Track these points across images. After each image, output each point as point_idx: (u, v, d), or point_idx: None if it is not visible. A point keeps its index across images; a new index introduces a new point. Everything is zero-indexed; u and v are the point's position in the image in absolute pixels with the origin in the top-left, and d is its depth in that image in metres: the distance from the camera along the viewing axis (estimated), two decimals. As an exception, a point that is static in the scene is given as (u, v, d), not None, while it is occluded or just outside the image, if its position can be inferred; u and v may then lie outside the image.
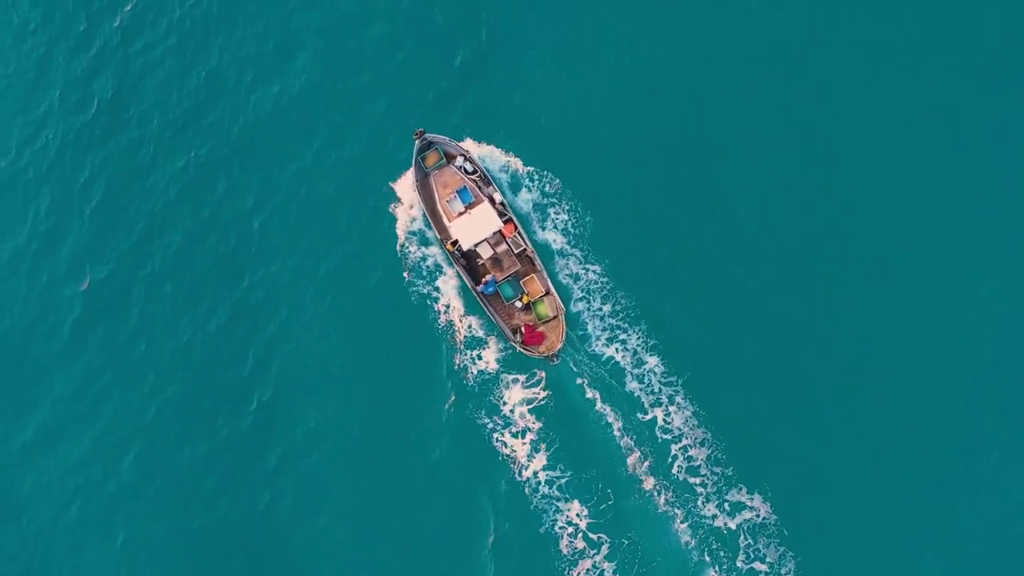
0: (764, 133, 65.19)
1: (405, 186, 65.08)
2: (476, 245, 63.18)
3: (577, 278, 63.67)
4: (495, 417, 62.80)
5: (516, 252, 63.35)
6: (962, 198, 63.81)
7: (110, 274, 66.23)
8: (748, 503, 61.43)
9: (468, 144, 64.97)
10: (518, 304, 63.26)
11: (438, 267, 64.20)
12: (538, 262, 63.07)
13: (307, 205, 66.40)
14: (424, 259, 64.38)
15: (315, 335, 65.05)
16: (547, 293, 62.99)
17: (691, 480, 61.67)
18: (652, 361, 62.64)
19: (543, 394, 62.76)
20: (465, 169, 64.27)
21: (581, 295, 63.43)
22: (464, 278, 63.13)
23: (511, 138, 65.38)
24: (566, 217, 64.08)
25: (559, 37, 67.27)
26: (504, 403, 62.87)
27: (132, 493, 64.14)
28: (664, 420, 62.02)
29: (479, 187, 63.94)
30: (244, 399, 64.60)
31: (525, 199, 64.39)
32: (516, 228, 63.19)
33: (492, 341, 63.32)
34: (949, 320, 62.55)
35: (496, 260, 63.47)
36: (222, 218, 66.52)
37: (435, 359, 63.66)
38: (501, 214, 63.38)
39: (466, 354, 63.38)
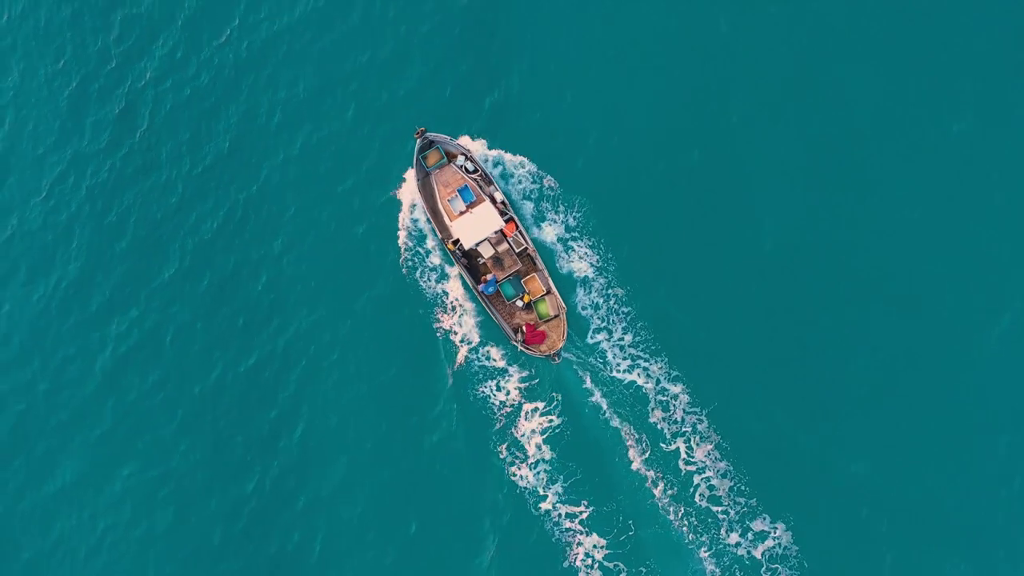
0: (790, 162, 64.87)
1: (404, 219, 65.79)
2: (477, 244, 63.12)
3: (597, 307, 63.28)
4: (515, 451, 62.46)
5: (517, 251, 63.34)
6: (985, 216, 63.21)
7: (140, 314, 66.58)
8: (771, 532, 60.52)
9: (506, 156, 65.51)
10: (519, 303, 63.13)
11: (458, 303, 64.14)
12: (539, 261, 63.05)
13: (336, 245, 66.54)
14: (446, 294, 64.31)
15: (343, 374, 65.03)
16: (548, 292, 62.95)
17: (714, 508, 61.01)
18: (675, 390, 62.10)
19: (559, 420, 62.47)
20: (466, 168, 64.37)
21: (601, 324, 63.06)
22: (465, 277, 63.16)
23: (543, 170, 65.35)
24: (588, 250, 63.95)
25: (587, 74, 67.48)
26: (524, 436, 62.56)
27: (162, 534, 64.18)
28: (687, 452, 61.50)
29: (480, 186, 63.98)
30: (273, 439, 64.62)
31: (549, 233, 64.30)
32: (517, 227, 63.20)
33: (513, 371, 63.11)
34: (977, 348, 61.65)
35: (497, 259, 63.39)
36: (252, 258, 66.81)
37: (458, 393, 63.45)
38: (502, 213, 63.42)
39: (487, 385, 63.19)
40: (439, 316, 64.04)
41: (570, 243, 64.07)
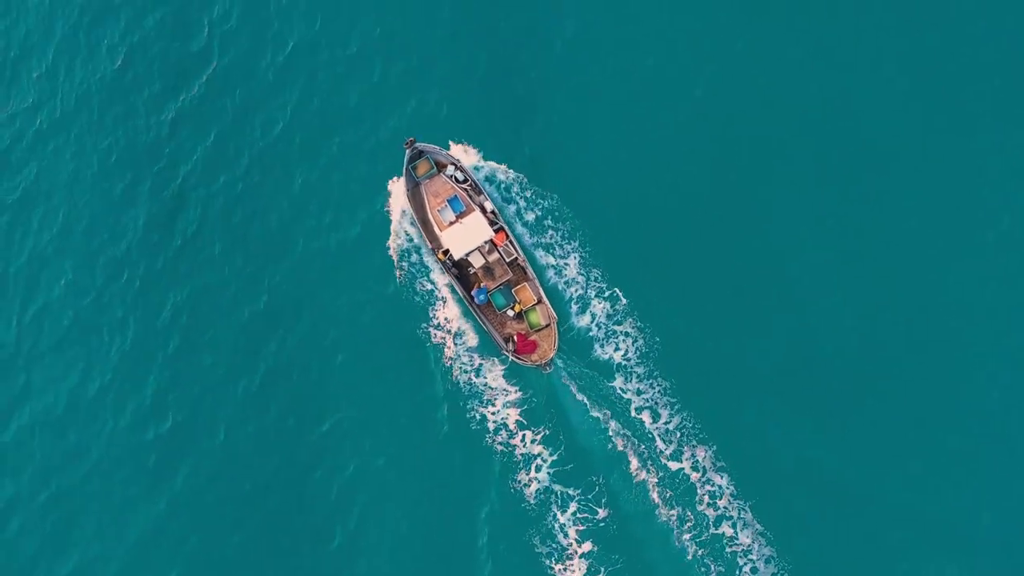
0: (843, 244, 64.41)
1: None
2: (468, 254, 62.88)
3: (639, 392, 62.78)
4: (550, 543, 61.64)
5: (508, 261, 62.95)
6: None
7: (193, 410, 66.38)
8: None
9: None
10: (510, 313, 62.59)
11: (488, 385, 63.68)
12: (530, 271, 62.75)
13: (385, 345, 66.16)
14: (481, 386, 63.88)
15: (393, 472, 64.64)
16: (539, 302, 62.47)
17: (757, 587, 60.11)
18: (720, 480, 61.59)
19: (603, 513, 61.71)
20: (456, 178, 64.35)
21: (643, 403, 62.58)
22: (457, 288, 62.94)
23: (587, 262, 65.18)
24: (630, 331, 63.66)
25: (623, 143, 67.43)
26: (562, 531, 61.84)
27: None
28: (730, 535, 60.76)
29: (470, 196, 63.90)
30: (324, 532, 63.92)
31: (586, 322, 64.08)
32: (507, 236, 62.92)
33: (547, 454, 62.62)
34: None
35: (488, 269, 63.06)
36: (302, 356, 66.57)
37: (494, 477, 63.05)
38: (492, 223, 63.16)
39: (527, 473, 62.59)
40: (475, 407, 63.47)
41: (612, 327, 63.49)
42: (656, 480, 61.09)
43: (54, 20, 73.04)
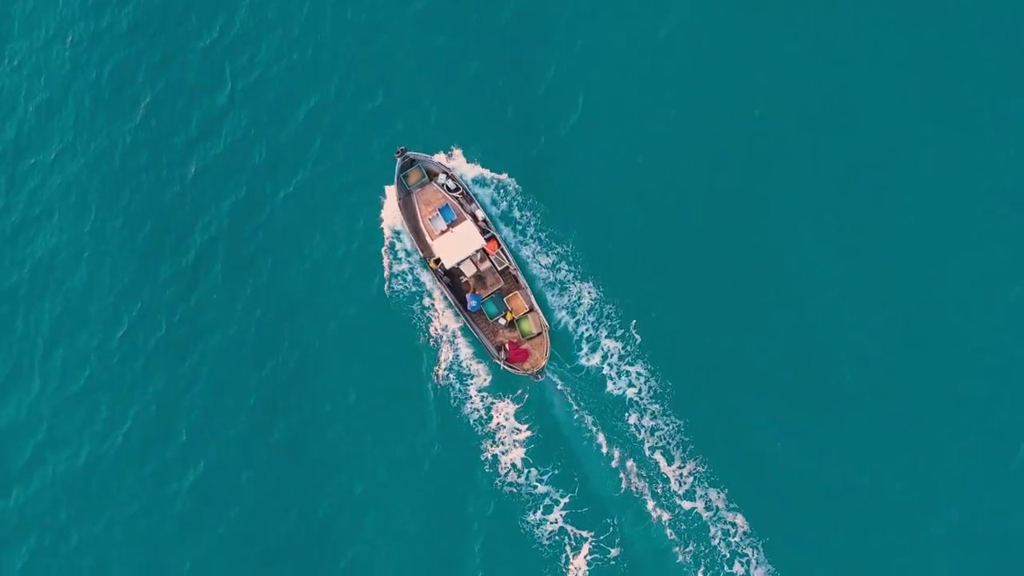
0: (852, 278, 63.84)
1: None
2: (459, 263, 62.80)
3: (653, 431, 62.28)
4: None
5: (499, 269, 63.01)
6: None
7: (216, 460, 66.29)
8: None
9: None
10: (502, 321, 62.63)
11: (500, 424, 63.32)
12: (522, 279, 62.74)
13: (408, 387, 65.65)
14: (493, 427, 63.51)
15: (410, 522, 64.13)
16: (531, 310, 62.49)
17: (768, 627, 59.52)
18: (733, 518, 60.63)
19: (615, 552, 60.96)
20: (447, 187, 64.60)
21: (657, 443, 62.03)
22: (449, 297, 62.97)
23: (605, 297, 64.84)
24: (642, 371, 63.11)
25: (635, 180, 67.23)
26: (576, 573, 61.07)
27: None
28: (742, 574, 60.00)
29: (461, 204, 64.07)
30: None
31: (597, 361, 63.72)
32: (499, 245, 62.91)
33: (558, 494, 62.02)
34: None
35: (480, 278, 63.17)
36: (324, 412, 66.33)
37: (506, 518, 62.29)
38: (484, 231, 63.17)
39: (535, 514, 61.84)
40: (487, 447, 63.16)
41: (623, 367, 63.12)
42: (669, 518, 60.17)
43: (76, 68, 74.51)
